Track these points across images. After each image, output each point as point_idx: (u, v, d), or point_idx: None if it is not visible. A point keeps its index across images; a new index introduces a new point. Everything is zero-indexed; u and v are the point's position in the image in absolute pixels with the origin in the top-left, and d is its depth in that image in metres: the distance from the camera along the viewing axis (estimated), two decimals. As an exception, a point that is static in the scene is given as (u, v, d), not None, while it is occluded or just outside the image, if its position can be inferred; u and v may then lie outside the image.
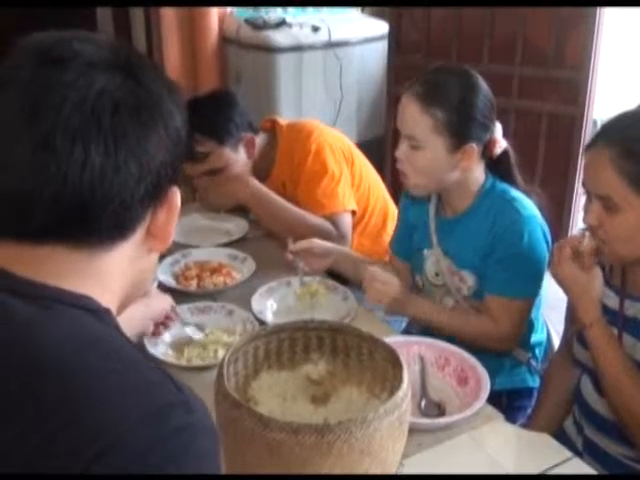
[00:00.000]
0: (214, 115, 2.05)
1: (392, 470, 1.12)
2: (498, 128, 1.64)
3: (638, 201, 1.24)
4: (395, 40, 3.84)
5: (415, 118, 1.57)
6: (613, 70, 3.66)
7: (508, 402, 1.75)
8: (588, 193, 1.31)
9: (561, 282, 1.40)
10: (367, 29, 4.01)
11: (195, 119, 1.98)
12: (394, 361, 1.17)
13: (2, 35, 1.61)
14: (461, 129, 1.56)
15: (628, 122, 1.29)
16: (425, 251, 1.78)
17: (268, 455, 0.99)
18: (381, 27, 3.98)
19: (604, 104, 3.50)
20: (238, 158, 2.09)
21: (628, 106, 1.35)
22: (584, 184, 1.32)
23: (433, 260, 1.76)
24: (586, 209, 1.32)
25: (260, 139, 2.17)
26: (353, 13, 4.21)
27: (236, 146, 2.08)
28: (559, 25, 3.29)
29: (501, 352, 1.71)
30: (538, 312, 1.75)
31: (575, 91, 3.33)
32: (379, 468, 1.04)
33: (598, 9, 3.14)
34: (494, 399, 1.40)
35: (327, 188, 2.07)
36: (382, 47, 3.95)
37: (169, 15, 3.75)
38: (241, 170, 2.09)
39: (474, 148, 1.58)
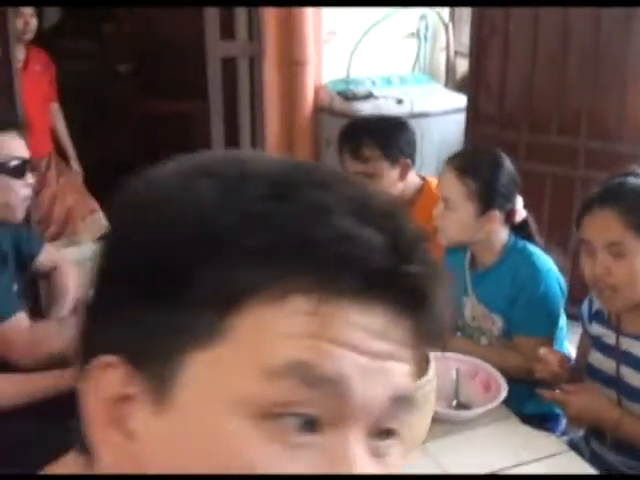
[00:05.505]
0: (390, 131, 2.40)
1: (417, 444, 1.45)
2: (519, 201, 1.99)
3: None
4: (473, 112, 4.18)
5: (452, 184, 1.94)
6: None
7: (537, 425, 2.02)
8: (589, 249, 1.57)
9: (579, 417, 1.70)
10: (447, 102, 4.38)
11: (376, 129, 2.45)
12: (424, 359, 1.50)
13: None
14: (487, 198, 1.92)
15: (629, 186, 1.59)
16: (463, 298, 2.11)
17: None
18: (460, 100, 4.34)
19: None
20: (390, 175, 2.38)
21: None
22: (586, 240, 1.58)
23: (470, 306, 2.09)
24: (589, 264, 1.58)
25: (413, 179, 2.46)
26: (435, 86, 4.63)
27: (394, 165, 2.37)
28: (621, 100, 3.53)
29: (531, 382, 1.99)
30: (562, 345, 2.06)
31: (636, 163, 3.54)
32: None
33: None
34: (525, 422, 1.71)
35: None
36: (460, 119, 4.31)
37: (270, 87, 4.24)
38: (388, 186, 2.36)
39: (497, 215, 1.94)
